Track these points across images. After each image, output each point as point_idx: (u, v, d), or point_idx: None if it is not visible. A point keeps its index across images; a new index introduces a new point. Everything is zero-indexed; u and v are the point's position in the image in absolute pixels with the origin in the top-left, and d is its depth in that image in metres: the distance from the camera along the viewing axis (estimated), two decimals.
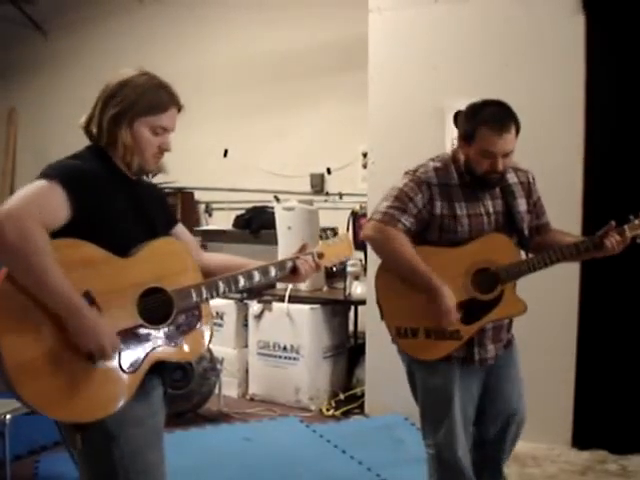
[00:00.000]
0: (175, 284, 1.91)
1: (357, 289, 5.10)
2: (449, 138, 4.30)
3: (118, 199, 1.93)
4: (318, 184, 6.31)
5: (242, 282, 2.04)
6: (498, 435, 2.76)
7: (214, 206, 6.70)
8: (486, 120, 2.48)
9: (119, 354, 1.80)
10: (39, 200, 1.75)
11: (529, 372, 4.18)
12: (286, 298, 4.99)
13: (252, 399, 5.14)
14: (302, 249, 2.22)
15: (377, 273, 2.64)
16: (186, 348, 1.93)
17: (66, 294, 1.71)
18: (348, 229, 5.40)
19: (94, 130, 1.97)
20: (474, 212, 2.58)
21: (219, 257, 2.27)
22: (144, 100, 1.96)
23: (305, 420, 4.66)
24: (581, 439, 4.02)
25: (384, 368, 4.56)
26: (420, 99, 4.42)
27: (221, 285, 2.00)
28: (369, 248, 4.58)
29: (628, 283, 3.92)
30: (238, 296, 5.20)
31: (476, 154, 2.51)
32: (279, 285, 5.29)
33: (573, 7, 3.97)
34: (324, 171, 6.27)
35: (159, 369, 1.92)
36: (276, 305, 5.04)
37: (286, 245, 5.18)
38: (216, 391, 4.74)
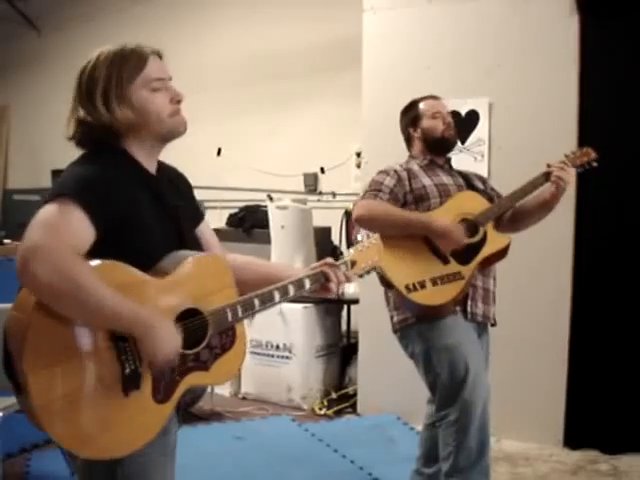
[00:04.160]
0: (211, 304, 1.76)
1: (350, 288, 5.09)
2: None
3: (142, 200, 1.75)
4: (311, 183, 6.31)
5: (277, 298, 1.90)
6: None
7: (207, 205, 6.66)
8: (421, 98, 3.12)
9: (153, 383, 1.67)
10: (58, 226, 1.57)
11: (521, 372, 4.21)
12: None
13: (244, 398, 5.13)
14: (329, 264, 2.05)
15: None
16: (218, 372, 1.81)
17: (129, 312, 1.58)
18: (341, 228, 5.40)
19: (99, 129, 1.76)
20: (439, 182, 2.96)
21: (243, 260, 2.09)
22: (116, 69, 1.76)
23: (297, 419, 4.66)
24: (573, 439, 4.03)
25: (376, 367, 4.58)
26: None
27: (256, 303, 1.85)
28: None
29: (621, 282, 3.94)
30: None
31: (427, 122, 3.03)
32: None
33: (567, 8, 3.99)
34: (317, 170, 6.27)
35: None
36: None
37: (279, 244, 5.19)
38: (208, 390, 4.73)
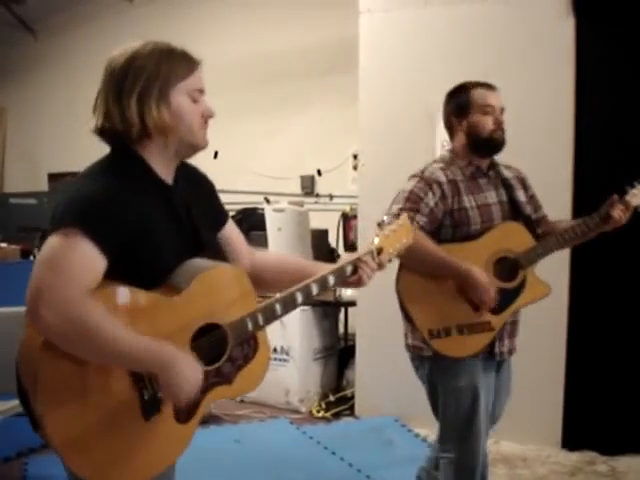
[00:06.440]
0: (230, 315, 1.70)
1: (347, 291, 5.09)
2: (439, 140, 4.30)
3: (156, 212, 1.66)
4: (308, 186, 6.32)
5: (300, 299, 1.80)
6: None
7: None
8: (474, 84, 2.66)
9: (174, 405, 1.63)
10: (67, 265, 1.49)
11: (519, 373, 4.19)
12: None
13: (242, 401, 5.12)
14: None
15: (398, 278, 2.58)
16: (241, 383, 1.75)
17: (148, 351, 1.54)
18: (338, 231, 5.41)
19: (120, 127, 1.63)
20: (482, 203, 2.60)
21: (273, 260, 2.03)
22: (166, 65, 1.64)
23: (295, 422, 4.65)
24: (571, 440, 4.03)
25: (374, 370, 4.57)
26: (410, 101, 4.43)
27: (278, 308, 1.76)
28: (359, 249, 4.61)
29: (618, 283, 3.93)
30: None
31: (476, 116, 2.62)
32: None
33: (563, 10, 3.99)
34: (314, 173, 6.28)
35: None
36: None
37: (276, 247, 5.18)
38: None
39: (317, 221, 5.46)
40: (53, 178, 7.87)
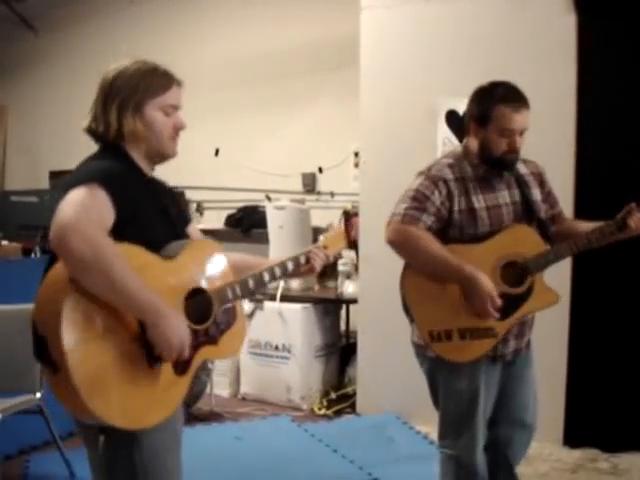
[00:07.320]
0: (213, 283, 1.97)
1: (349, 288, 5.09)
2: (441, 137, 4.30)
3: (147, 199, 1.92)
4: (310, 183, 6.31)
5: (267, 278, 2.13)
6: (509, 438, 2.73)
7: (205, 205, 6.68)
8: (502, 98, 2.48)
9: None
10: (89, 206, 1.70)
11: None
12: (277, 297, 4.98)
13: (244, 398, 5.13)
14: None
15: (402, 277, 2.54)
16: (225, 346, 1.99)
17: (147, 298, 1.72)
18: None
19: (101, 129, 1.92)
20: (492, 204, 2.53)
21: (232, 257, 2.20)
22: (145, 83, 1.93)
23: (296, 419, 4.66)
24: (572, 437, 4.03)
25: (376, 367, 4.57)
26: (412, 98, 4.42)
27: (250, 282, 2.06)
28: (360, 246, 4.61)
29: (620, 280, 3.93)
30: None
31: (493, 134, 2.49)
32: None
33: (565, 7, 3.98)
34: (316, 170, 6.27)
35: None
36: (268, 304, 5.03)
37: (277, 244, 5.18)
38: (207, 390, 4.73)
39: (318, 219, 5.46)
40: (54, 176, 7.85)
